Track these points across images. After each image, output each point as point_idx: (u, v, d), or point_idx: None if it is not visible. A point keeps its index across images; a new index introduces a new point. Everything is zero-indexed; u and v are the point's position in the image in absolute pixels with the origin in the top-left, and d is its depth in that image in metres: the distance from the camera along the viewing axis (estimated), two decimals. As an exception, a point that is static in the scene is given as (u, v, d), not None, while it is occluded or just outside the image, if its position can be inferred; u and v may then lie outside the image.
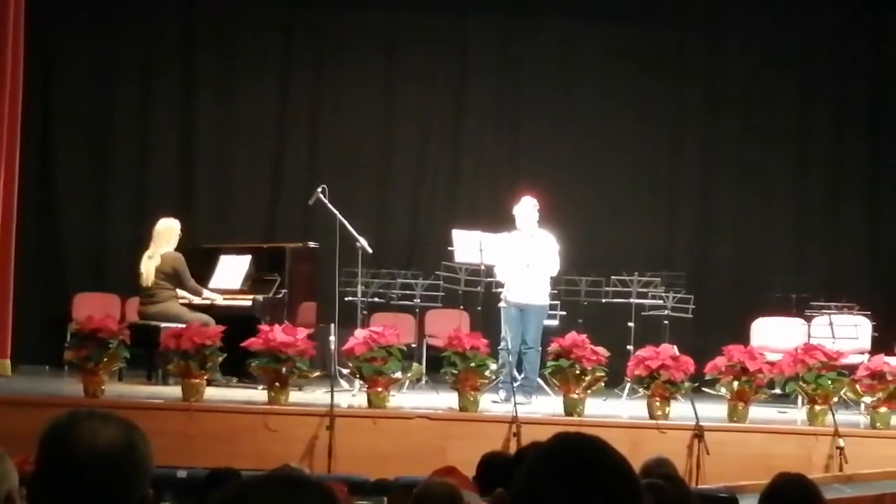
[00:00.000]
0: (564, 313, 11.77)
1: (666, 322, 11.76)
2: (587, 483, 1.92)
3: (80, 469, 2.22)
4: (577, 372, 9.60)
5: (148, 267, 10.97)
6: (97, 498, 2.22)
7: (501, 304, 10.91)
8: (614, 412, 10.31)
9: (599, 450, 1.98)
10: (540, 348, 10.66)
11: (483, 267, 11.27)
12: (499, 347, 10.39)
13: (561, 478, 1.92)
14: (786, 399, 10.68)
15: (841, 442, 9.19)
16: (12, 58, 10.95)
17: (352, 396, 10.22)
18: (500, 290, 11.03)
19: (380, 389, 9.48)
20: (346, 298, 11.38)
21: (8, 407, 8.76)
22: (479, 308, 11.81)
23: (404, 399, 10.33)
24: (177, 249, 11.12)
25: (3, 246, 10.99)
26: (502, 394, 10.45)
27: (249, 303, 11.11)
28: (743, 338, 11.58)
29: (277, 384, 9.41)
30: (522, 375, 10.72)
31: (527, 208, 10.95)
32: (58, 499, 2.22)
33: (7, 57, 10.87)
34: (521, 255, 10.81)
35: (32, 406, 8.65)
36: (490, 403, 10.18)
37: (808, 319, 12.14)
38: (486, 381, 9.80)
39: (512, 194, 11.21)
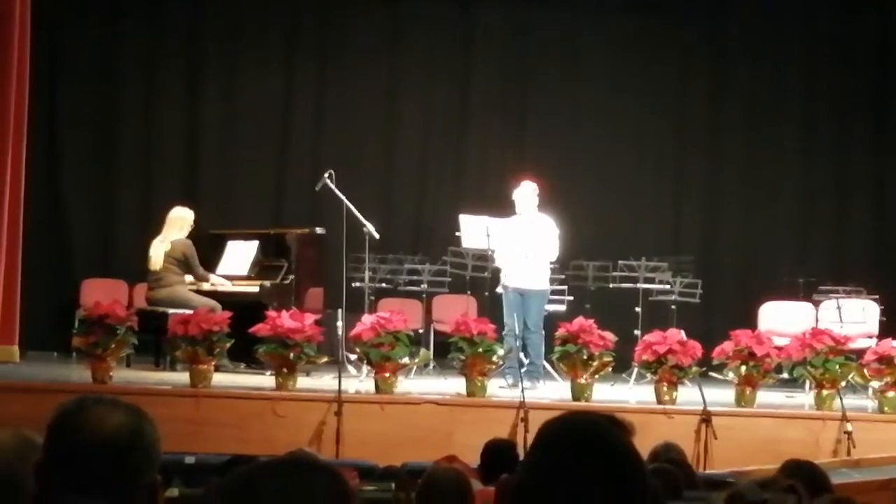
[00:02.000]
0: (572, 298, 11.77)
1: (673, 307, 11.74)
2: (590, 468, 1.92)
3: (87, 455, 2.22)
4: (585, 357, 9.61)
5: (158, 251, 11.03)
6: (105, 484, 2.22)
7: (499, 289, 10.92)
8: (622, 397, 10.32)
9: (604, 434, 1.97)
10: (543, 332, 10.66)
11: (490, 252, 11.27)
12: (503, 333, 10.37)
13: (564, 463, 1.92)
14: (793, 384, 10.68)
15: (849, 426, 9.17)
16: (19, 46, 10.95)
17: (359, 382, 10.23)
18: (486, 273, 11.06)
19: (387, 375, 9.49)
20: (353, 284, 11.38)
21: (16, 393, 8.80)
22: (486, 293, 11.78)
23: (412, 384, 10.32)
24: (187, 237, 11.18)
25: (11, 233, 11.00)
26: (509, 379, 10.46)
27: (257, 289, 11.12)
28: (750, 322, 11.56)
29: (285, 370, 9.43)
30: (528, 360, 10.72)
31: (526, 192, 10.93)
32: (66, 485, 2.22)
33: (14, 46, 10.88)
34: (519, 240, 10.80)
35: (40, 392, 8.68)
36: (497, 389, 10.18)
37: (816, 304, 12.13)
38: (494, 367, 9.81)
39: (518, 180, 11.19)
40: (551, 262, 11.06)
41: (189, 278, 11.12)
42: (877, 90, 14.48)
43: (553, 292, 11.40)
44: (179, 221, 11.20)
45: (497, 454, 5.69)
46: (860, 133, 14.46)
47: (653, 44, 14.31)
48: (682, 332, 9.93)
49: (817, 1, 14.25)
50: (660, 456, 5.91)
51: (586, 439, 1.96)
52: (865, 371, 9.84)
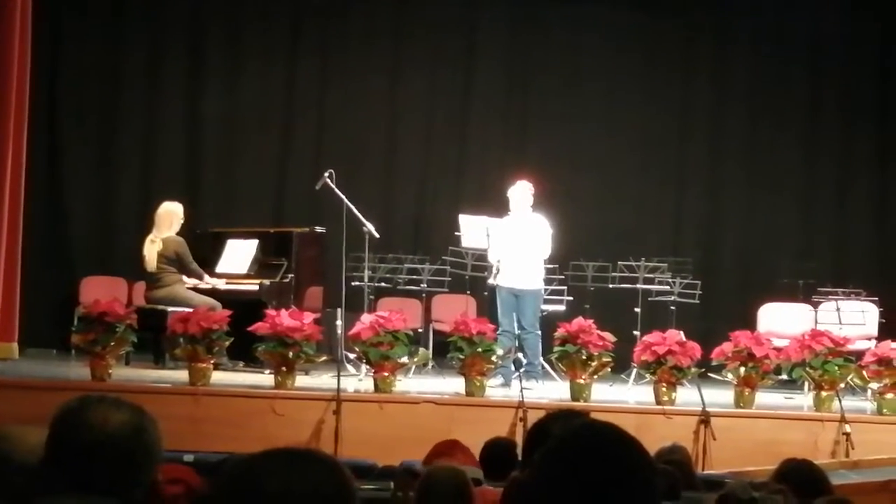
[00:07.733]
0: (571, 298, 11.76)
1: (673, 308, 11.75)
2: (601, 474, 1.92)
3: (90, 453, 2.23)
4: (584, 357, 9.61)
5: (151, 251, 10.98)
6: (107, 481, 2.23)
7: (491, 281, 10.89)
8: (621, 397, 10.31)
9: (616, 439, 1.98)
10: (539, 332, 10.66)
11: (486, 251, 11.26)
12: (498, 332, 10.32)
13: (575, 467, 1.93)
14: (792, 385, 10.68)
15: (847, 428, 9.17)
16: (20, 41, 10.95)
17: (358, 381, 10.24)
18: (485, 273, 11.06)
19: (386, 374, 9.49)
20: (352, 283, 11.38)
21: (15, 391, 8.80)
22: (485, 293, 11.80)
23: (411, 384, 10.32)
24: (183, 233, 11.13)
25: (11, 230, 11.00)
26: (500, 378, 10.44)
27: (256, 287, 11.11)
28: (750, 323, 11.57)
29: (284, 369, 9.43)
30: (526, 360, 10.71)
31: (521, 191, 10.94)
32: (68, 482, 2.23)
33: (14, 40, 10.87)
34: (511, 239, 10.80)
35: (39, 390, 8.68)
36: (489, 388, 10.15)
37: (815, 305, 12.11)
38: (493, 366, 9.81)
39: (515, 179, 11.19)
40: (545, 261, 11.05)
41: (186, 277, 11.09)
42: (880, 91, 14.47)
43: (552, 292, 11.40)
44: (168, 217, 11.10)
45: (497, 453, 5.68)
46: (863, 135, 14.46)
47: (655, 42, 14.30)
48: (682, 333, 9.93)
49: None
50: (664, 457, 5.90)
51: (597, 444, 1.97)
52: (864, 373, 9.85)
